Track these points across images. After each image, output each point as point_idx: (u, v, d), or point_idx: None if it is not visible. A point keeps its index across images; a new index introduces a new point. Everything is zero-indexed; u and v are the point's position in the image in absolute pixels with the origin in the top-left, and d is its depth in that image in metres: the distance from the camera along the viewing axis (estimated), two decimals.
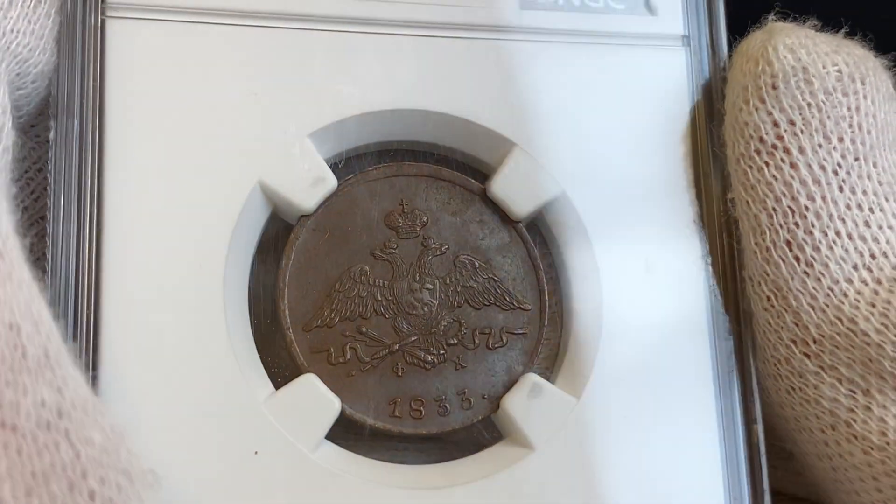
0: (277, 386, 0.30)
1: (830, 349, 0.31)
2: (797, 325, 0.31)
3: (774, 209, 0.32)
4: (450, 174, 0.33)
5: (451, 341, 0.32)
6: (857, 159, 0.31)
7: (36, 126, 0.31)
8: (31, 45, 0.29)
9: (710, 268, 0.34)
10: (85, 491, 0.22)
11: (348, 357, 0.31)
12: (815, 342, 0.31)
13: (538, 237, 0.33)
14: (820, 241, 0.31)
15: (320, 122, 0.31)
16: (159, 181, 0.30)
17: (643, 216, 0.33)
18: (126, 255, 0.29)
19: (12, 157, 0.27)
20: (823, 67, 0.32)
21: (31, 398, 0.22)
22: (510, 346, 0.32)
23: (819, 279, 0.31)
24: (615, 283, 0.33)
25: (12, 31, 0.28)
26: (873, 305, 0.30)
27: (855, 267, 0.31)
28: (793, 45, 0.32)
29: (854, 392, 0.30)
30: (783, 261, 0.31)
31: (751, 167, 0.32)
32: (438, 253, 0.32)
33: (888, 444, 0.30)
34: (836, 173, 0.31)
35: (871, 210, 0.31)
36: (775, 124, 0.32)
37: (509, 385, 0.32)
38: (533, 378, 0.32)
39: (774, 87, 0.32)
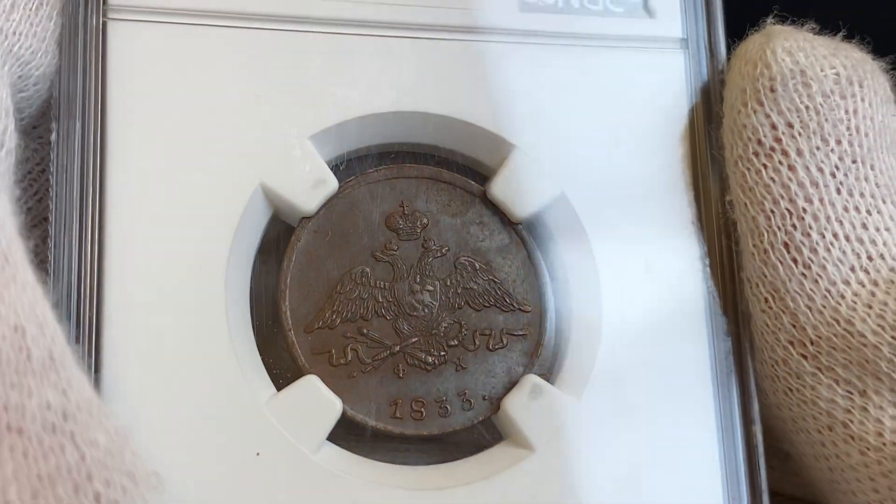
0: (279, 387, 0.30)
1: (827, 350, 0.31)
2: (795, 326, 0.31)
3: (772, 211, 0.32)
4: (450, 176, 0.33)
5: (452, 343, 0.32)
6: (854, 162, 0.32)
7: (38, 127, 0.31)
8: (34, 47, 0.29)
9: (709, 269, 0.34)
10: (90, 493, 0.22)
11: (349, 358, 0.31)
12: (812, 343, 0.31)
13: (538, 239, 0.34)
14: (817, 243, 0.31)
15: (321, 125, 0.31)
16: (161, 183, 0.30)
17: (642, 218, 0.33)
18: (127, 257, 0.29)
19: (15, 160, 0.27)
20: (821, 70, 0.32)
21: (36, 400, 0.22)
22: (510, 347, 0.32)
23: (816, 281, 0.31)
24: (615, 285, 0.33)
25: (14, 33, 0.28)
26: (870, 307, 0.31)
27: (852, 269, 0.31)
28: (791, 48, 0.32)
29: (851, 393, 0.31)
30: (781, 262, 0.31)
31: (749, 169, 0.32)
32: (439, 254, 0.32)
33: (884, 444, 0.30)
34: (833, 175, 0.31)
35: (868, 212, 0.31)
36: (773, 127, 0.32)
37: (510, 386, 0.32)
38: (533, 379, 0.32)
39: (772, 90, 0.32)
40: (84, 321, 0.28)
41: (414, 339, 0.32)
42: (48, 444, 0.22)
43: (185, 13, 0.31)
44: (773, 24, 0.34)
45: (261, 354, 0.31)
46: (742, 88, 0.33)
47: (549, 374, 0.33)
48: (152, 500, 0.23)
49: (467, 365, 0.32)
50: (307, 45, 0.32)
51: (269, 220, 0.32)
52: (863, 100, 0.32)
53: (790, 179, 0.31)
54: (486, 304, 0.32)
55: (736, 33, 0.35)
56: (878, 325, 0.30)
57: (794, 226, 0.31)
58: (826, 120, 0.32)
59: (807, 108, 0.32)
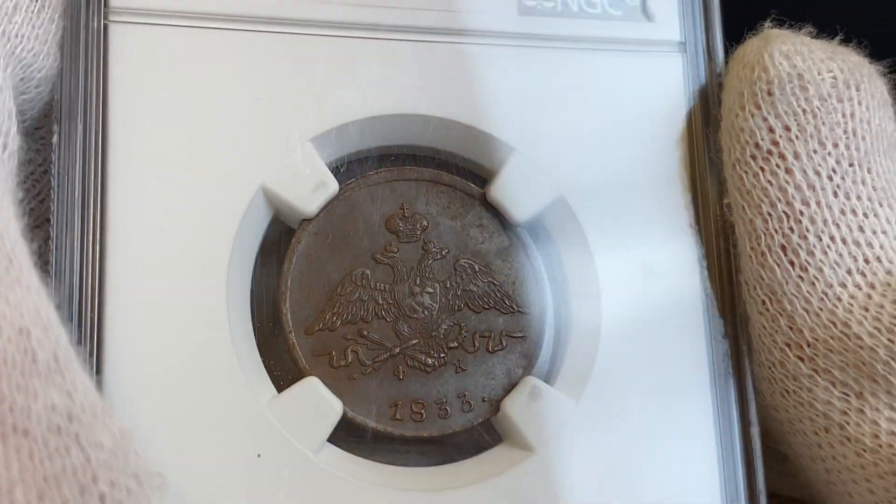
0: (280, 389, 0.31)
1: (824, 353, 0.31)
2: (791, 328, 0.32)
3: (770, 214, 0.32)
4: (450, 178, 0.33)
5: (452, 345, 0.32)
6: (851, 165, 0.32)
7: (41, 128, 0.31)
8: (35, 49, 0.29)
9: (707, 271, 0.34)
10: (96, 494, 0.22)
11: (350, 360, 0.31)
12: (808, 346, 0.31)
13: (537, 241, 0.34)
14: (814, 246, 0.31)
15: (322, 127, 0.31)
16: (162, 185, 0.30)
17: (641, 220, 0.34)
18: (129, 259, 0.29)
19: (18, 162, 0.27)
20: (818, 74, 0.32)
21: (41, 402, 0.22)
22: (510, 349, 0.32)
23: (813, 283, 0.31)
24: (613, 287, 0.33)
25: (17, 35, 0.28)
26: (866, 310, 0.31)
27: (849, 271, 0.31)
28: (788, 51, 0.32)
29: (847, 395, 0.31)
30: (778, 265, 0.32)
31: (746, 172, 0.32)
32: (439, 257, 0.32)
33: (881, 446, 0.30)
34: (830, 179, 0.32)
35: (865, 215, 0.32)
36: (771, 130, 0.32)
37: (509, 388, 0.32)
38: (533, 381, 0.32)
39: (770, 94, 0.32)
40: (85, 323, 0.28)
41: (414, 341, 0.32)
42: (53, 445, 0.22)
43: (186, 16, 0.31)
44: (771, 27, 0.34)
45: (261, 356, 0.31)
46: (740, 92, 0.33)
47: (548, 376, 0.33)
48: (156, 500, 0.23)
49: (467, 367, 0.32)
50: (308, 48, 0.32)
51: (270, 223, 0.32)
52: (860, 103, 0.32)
53: (787, 182, 0.32)
54: (486, 307, 0.32)
55: (734, 37, 0.35)
56: (875, 328, 0.30)
57: (791, 228, 0.31)
58: (823, 123, 0.32)
59: (804, 111, 0.32)
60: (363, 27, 0.32)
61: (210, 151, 0.31)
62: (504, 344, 0.32)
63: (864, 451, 0.30)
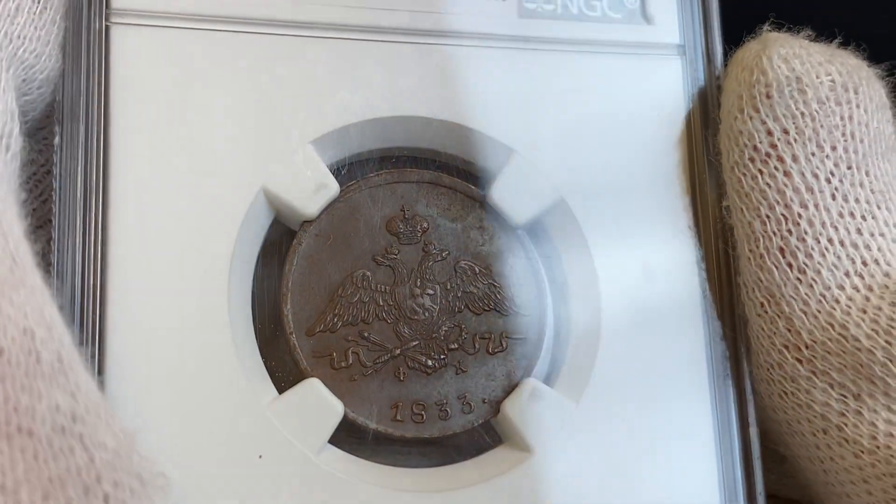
0: (281, 390, 0.31)
1: (822, 354, 0.31)
2: (790, 330, 0.32)
3: (768, 216, 0.32)
4: (450, 181, 0.33)
5: (452, 346, 0.32)
6: (849, 168, 0.32)
7: (44, 129, 0.31)
8: (38, 50, 0.29)
9: (706, 273, 0.34)
10: (100, 494, 0.22)
11: (351, 361, 0.31)
12: (807, 347, 0.31)
13: (537, 243, 0.34)
14: (812, 248, 0.31)
15: (323, 129, 0.32)
16: (163, 186, 0.30)
17: (640, 222, 0.34)
18: (130, 261, 0.29)
19: (20, 162, 0.27)
20: (817, 77, 0.32)
21: (46, 403, 0.22)
22: (510, 350, 0.32)
23: (811, 285, 0.31)
24: (613, 289, 0.33)
25: (19, 37, 0.28)
26: (864, 311, 0.31)
27: (847, 274, 0.31)
28: (787, 54, 0.32)
29: (845, 396, 0.31)
30: (776, 267, 0.32)
31: (745, 175, 0.32)
32: (439, 258, 0.32)
33: (878, 447, 0.30)
34: (828, 181, 0.32)
35: (863, 217, 0.32)
36: (769, 133, 0.32)
37: (509, 389, 0.32)
38: (533, 383, 0.32)
39: (769, 97, 0.32)
40: (87, 324, 0.29)
41: (414, 343, 0.32)
42: (58, 446, 0.22)
43: (187, 17, 0.31)
44: (770, 31, 0.34)
45: (262, 358, 0.31)
46: (738, 95, 0.33)
47: (548, 378, 0.33)
48: (159, 501, 0.23)
49: (467, 368, 0.32)
50: (309, 50, 0.32)
51: (271, 224, 0.32)
52: (858, 106, 0.32)
53: (786, 185, 0.32)
54: (486, 308, 0.32)
55: (733, 40, 0.35)
56: (872, 330, 0.31)
57: (789, 231, 0.32)
58: (821, 126, 0.32)
59: (802, 114, 0.32)
60: (364, 29, 0.32)
61: (211, 153, 0.31)
62: (504, 345, 0.32)
63: (862, 452, 0.30)
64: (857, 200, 0.32)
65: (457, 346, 0.32)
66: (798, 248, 0.31)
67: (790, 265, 0.32)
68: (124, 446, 0.23)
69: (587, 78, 0.34)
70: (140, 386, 0.29)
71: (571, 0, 0.35)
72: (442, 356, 0.32)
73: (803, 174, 0.32)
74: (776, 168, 0.32)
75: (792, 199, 0.32)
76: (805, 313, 0.31)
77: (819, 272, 0.31)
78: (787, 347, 0.32)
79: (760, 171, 0.32)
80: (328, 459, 0.30)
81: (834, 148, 0.32)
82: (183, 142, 0.30)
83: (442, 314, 0.32)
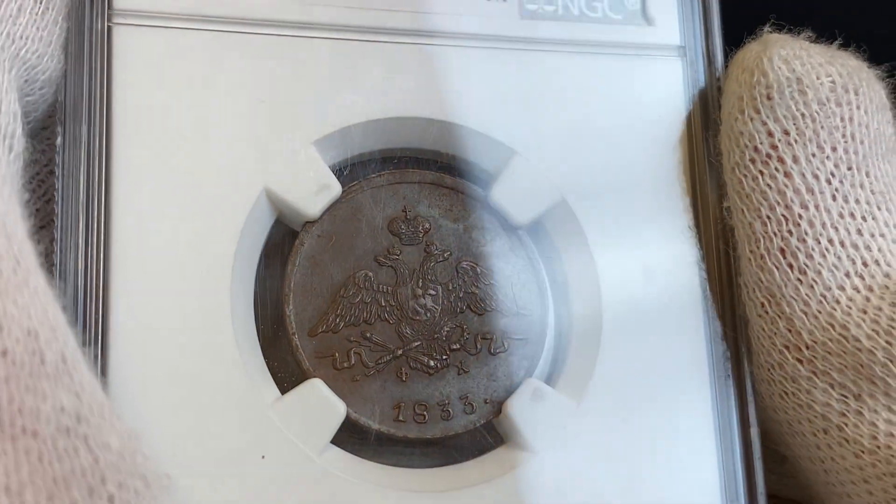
0: (283, 391, 0.31)
1: (823, 355, 0.31)
2: (790, 330, 0.32)
3: (769, 217, 0.32)
4: (452, 181, 0.33)
5: (454, 346, 0.32)
6: (849, 168, 0.32)
7: (46, 129, 0.31)
8: (40, 51, 0.29)
9: (706, 274, 0.34)
10: (104, 495, 0.22)
11: (353, 362, 0.31)
12: (807, 348, 0.31)
13: (538, 244, 0.34)
14: (813, 249, 0.31)
15: (325, 130, 0.32)
16: (165, 187, 0.30)
17: (641, 222, 0.34)
18: (133, 261, 0.29)
19: (23, 163, 0.27)
20: (817, 78, 0.32)
21: (50, 404, 0.22)
22: (512, 351, 0.32)
23: (812, 286, 0.31)
24: (614, 289, 0.33)
25: (21, 37, 0.28)
26: (865, 312, 0.31)
27: (847, 274, 0.31)
28: (787, 56, 0.32)
29: (846, 397, 0.31)
30: (777, 268, 0.32)
31: (745, 176, 0.32)
32: (441, 259, 0.32)
33: (879, 447, 0.30)
34: (829, 182, 0.32)
35: (863, 218, 0.32)
36: (770, 134, 0.32)
37: (511, 390, 0.32)
38: (534, 383, 0.32)
39: (769, 98, 0.32)
40: (90, 325, 0.29)
41: (416, 343, 0.32)
42: (62, 447, 0.22)
43: (189, 18, 0.31)
44: (770, 32, 0.34)
45: (265, 358, 0.31)
46: (739, 96, 0.33)
47: (550, 378, 0.33)
48: (164, 501, 0.23)
49: (469, 369, 0.32)
50: (311, 51, 0.32)
51: (273, 225, 0.32)
52: (858, 107, 0.32)
53: (786, 186, 0.32)
54: (488, 309, 0.33)
55: (733, 41, 0.35)
56: (873, 330, 0.31)
57: (789, 232, 0.32)
58: (822, 127, 0.32)
59: (803, 115, 0.32)
60: (366, 30, 0.32)
61: (213, 153, 0.31)
62: (506, 346, 0.32)
63: (863, 452, 0.30)
64: (857, 201, 0.32)
65: (458, 346, 0.32)
66: (799, 248, 0.32)
67: (791, 266, 0.32)
68: (129, 447, 0.23)
69: (588, 79, 0.34)
70: (142, 386, 0.29)
71: (572, 1, 0.35)
72: (444, 356, 0.32)
73: (804, 175, 0.32)
74: (777, 169, 0.32)
75: (792, 200, 0.32)
76: (806, 314, 0.31)
77: (819, 273, 0.31)
78: (787, 348, 0.32)
79: (761, 172, 0.32)
80: (330, 460, 0.30)
81: (834, 149, 0.32)
82: (185, 142, 0.30)
83: (444, 315, 0.32)
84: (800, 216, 0.32)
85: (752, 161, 0.32)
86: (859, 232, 0.32)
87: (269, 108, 0.31)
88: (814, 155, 0.32)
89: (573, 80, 0.34)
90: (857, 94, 0.32)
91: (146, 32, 0.31)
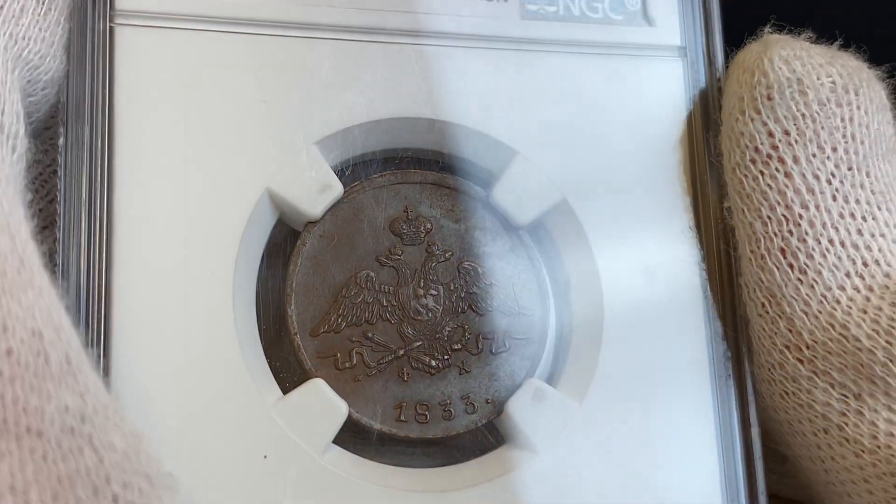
0: (285, 391, 0.31)
1: (823, 354, 0.31)
2: (791, 330, 0.32)
3: (769, 217, 0.32)
4: (454, 181, 0.33)
5: (456, 346, 0.32)
6: (850, 169, 0.32)
7: (49, 129, 0.31)
8: (42, 52, 0.29)
9: (707, 274, 0.34)
10: (109, 495, 0.22)
11: (355, 362, 0.31)
12: (808, 348, 0.31)
13: (540, 244, 0.34)
14: (813, 249, 0.32)
15: (327, 130, 0.32)
16: (168, 187, 0.30)
17: (642, 223, 0.34)
18: (135, 262, 0.29)
19: (26, 163, 0.27)
20: (818, 79, 0.32)
21: (54, 404, 0.22)
22: (513, 351, 0.32)
23: (812, 286, 0.31)
24: (615, 289, 0.33)
25: (24, 38, 0.28)
26: (865, 312, 0.31)
27: (847, 274, 0.31)
28: (788, 56, 0.32)
29: (846, 396, 0.31)
30: (777, 268, 0.32)
31: (746, 176, 0.32)
32: (442, 259, 0.33)
33: (879, 447, 0.30)
34: (829, 183, 0.32)
35: (863, 218, 0.32)
36: (770, 134, 0.32)
37: (512, 390, 0.32)
38: (536, 383, 0.32)
39: (770, 98, 0.32)
40: (92, 325, 0.29)
41: (418, 343, 0.32)
42: (67, 446, 0.22)
43: (191, 19, 0.31)
44: (771, 32, 0.34)
45: (267, 358, 0.31)
46: (740, 96, 0.33)
47: (551, 378, 0.33)
48: (168, 501, 0.23)
49: (470, 369, 0.32)
50: (313, 52, 0.32)
51: (275, 225, 0.32)
52: (859, 108, 0.32)
53: (787, 186, 0.32)
54: (489, 309, 0.33)
55: (734, 42, 0.35)
56: (873, 330, 0.31)
57: (790, 232, 0.32)
58: (822, 128, 0.32)
59: (803, 115, 0.32)
60: (368, 31, 0.32)
61: (216, 154, 0.31)
62: (507, 346, 0.32)
63: (863, 451, 0.30)
64: (857, 201, 0.32)
65: (460, 346, 0.32)
66: (799, 248, 0.32)
67: (791, 266, 0.32)
68: (133, 447, 0.23)
69: (589, 79, 0.34)
70: (145, 387, 0.29)
71: (573, 2, 0.35)
72: (445, 357, 0.32)
73: (804, 175, 0.32)
74: (777, 169, 0.32)
75: (793, 201, 0.32)
76: (806, 314, 0.31)
77: (820, 273, 0.31)
78: (788, 348, 0.32)
79: (762, 173, 0.32)
80: (332, 459, 0.30)
81: (835, 149, 0.32)
82: (187, 143, 0.30)
83: (445, 315, 0.32)
84: (800, 216, 0.32)
85: (753, 161, 0.32)
86: (859, 232, 0.32)
87: (271, 108, 0.31)
88: (814, 155, 0.32)
89: (574, 81, 0.34)
90: (857, 94, 0.32)
91: (148, 33, 0.31)
